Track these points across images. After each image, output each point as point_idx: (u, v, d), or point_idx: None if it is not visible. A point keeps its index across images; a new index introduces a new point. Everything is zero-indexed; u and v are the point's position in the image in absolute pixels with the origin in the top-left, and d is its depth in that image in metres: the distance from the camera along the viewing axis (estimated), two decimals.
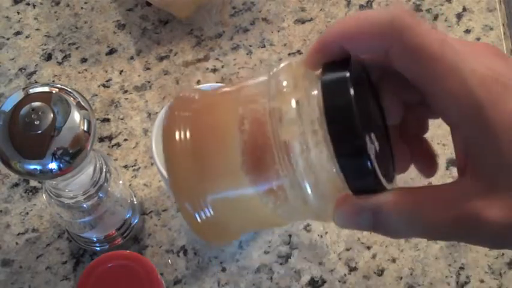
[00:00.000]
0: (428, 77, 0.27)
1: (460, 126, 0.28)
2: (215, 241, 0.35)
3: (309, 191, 0.28)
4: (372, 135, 0.28)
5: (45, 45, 0.64)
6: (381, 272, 0.53)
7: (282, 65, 0.30)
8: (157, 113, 0.59)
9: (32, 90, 0.42)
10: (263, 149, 0.28)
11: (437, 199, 0.28)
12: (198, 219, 0.30)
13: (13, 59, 0.64)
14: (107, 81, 0.62)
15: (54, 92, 0.42)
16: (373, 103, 0.30)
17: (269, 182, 0.29)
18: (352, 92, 0.27)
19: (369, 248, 0.54)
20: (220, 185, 0.30)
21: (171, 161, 0.30)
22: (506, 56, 0.29)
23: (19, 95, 0.42)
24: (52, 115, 0.41)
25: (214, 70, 0.62)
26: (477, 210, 0.27)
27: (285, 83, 0.29)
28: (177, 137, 0.30)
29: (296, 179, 0.28)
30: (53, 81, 0.62)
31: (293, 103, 0.28)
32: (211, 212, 0.30)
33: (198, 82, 0.62)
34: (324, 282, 0.52)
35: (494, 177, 0.27)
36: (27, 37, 0.65)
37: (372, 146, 0.27)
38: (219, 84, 0.59)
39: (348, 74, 0.27)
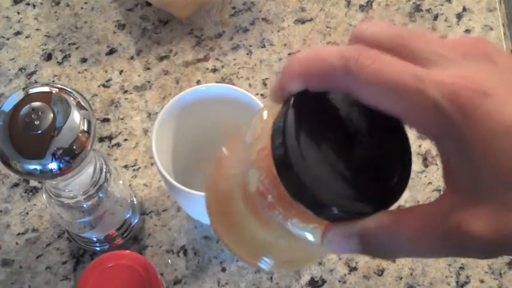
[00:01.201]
0: (398, 107, 0.27)
1: (437, 140, 0.28)
2: (297, 269, 0.35)
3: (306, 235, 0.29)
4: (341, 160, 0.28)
5: (45, 45, 0.64)
6: (381, 272, 0.53)
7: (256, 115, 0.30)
8: (157, 113, 0.59)
9: (32, 90, 0.42)
10: (260, 204, 0.29)
11: (424, 218, 0.28)
12: (265, 267, 0.32)
13: (13, 59, 0.64)
14: (107, 81, 0.62)
15: (54, 92, 0.42)
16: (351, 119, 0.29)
17: (281, 225, 0.29)
18: (292, 132, 0.27)
19: None
20: (259, 240, 0.31)
21: (228, 231, 0.33)
22: (499, 54, 0.28)
23: (19, 95, 0.42)
24: (52, 115, 0.41)
25: (214, 70, 0.62)
26: (462, 224, 0.27)
27: (249, 136, 0.30)
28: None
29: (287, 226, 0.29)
30: (53, 81, 0.62)
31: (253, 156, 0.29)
32: (270, 261, 0.32)
33: (198, 82, 0.62)
34: (324, 282, 0.52)
35: (474, 190, 0.27)
36: (27, 37, 0.65)
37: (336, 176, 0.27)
38: (219, 84, 0.59)
39: (290, 121, 0.27)
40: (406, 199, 0.55)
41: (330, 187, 0.27)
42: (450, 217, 0.27)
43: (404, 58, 0.27)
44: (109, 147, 0.59)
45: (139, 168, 0.58)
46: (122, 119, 0.60)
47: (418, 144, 0.58)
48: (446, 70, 0.27)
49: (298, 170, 0.27)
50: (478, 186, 0.27)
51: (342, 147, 0.28)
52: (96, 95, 0.61)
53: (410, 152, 0.30)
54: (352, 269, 0.53)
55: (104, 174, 0.48)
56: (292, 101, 0.28)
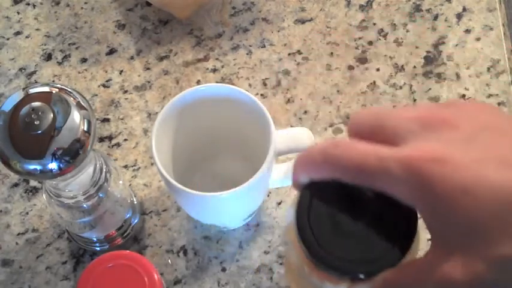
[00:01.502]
0: (372, 185, 0.33)
1: (413, 205, 0.33)
2: None
3: None
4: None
5: (45, 45, 0.64)
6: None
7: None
8: (157, 113, 0.59)
9: (32, 90, 0.42)
10: (302, 274, 0.38)
11: (418, 272, 0.33)
12: None
13: (13, 59, 0.64)
14: (107, 81, 0.62)
15: (54, 92, 0.42)
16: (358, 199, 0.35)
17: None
18: (308, 221, 0.35)
19: None
20: None
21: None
22: (461, 119, 0.33)
23: (19, 95, 0.42)
24: (52, 115, 0.41)
25: (214, 70, 0.62)
26: (446, 274, 0.31)
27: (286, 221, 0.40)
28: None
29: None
30: (53, 81, 0.62)
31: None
32: None
33: (198, 82, 0.62)
34: None
35: (447, 243, 0.32)
36: (27, 37, 0.65)
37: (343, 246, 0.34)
38: (219, 84, 0.59)
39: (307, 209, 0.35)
40: None
41: (341, 256, 0.34)
42: (436, 269, 0.32)
43: (381, 137, 0.33)
44: (109, 147, 0.59)
45: (139, 168, 0.58)
46: (122, 119, 0.60)
47: None
48: (410, 144, 0.32)
49: (312, 247, 0.34)
50: (448, 240, 0.32)
51: (350, 219, 0.35)
52: (96, 95, 0.61)
53: (414, 212, 0.34)
54: None
55: (104, 174, 0.48)
56: (302, 189, 0.36)
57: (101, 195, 0.49)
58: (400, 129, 0.33)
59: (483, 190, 0.30)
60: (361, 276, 0.34)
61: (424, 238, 0.36)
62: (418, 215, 0.35)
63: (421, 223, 0.34)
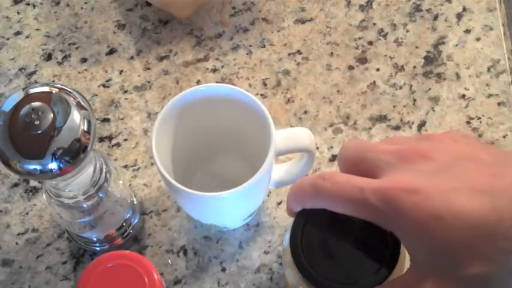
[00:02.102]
0: (354, 213, 0.37)
1: (391, 231, 0.36)
2: None
3: None
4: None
5: (45, 45, 0.64)
6: None
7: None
8: (157, 113, 0.59)
9: (32, 90, 0.42)
10: None
11: None
12: None
13: (13, 59, 0.64)
14: (107, 81, 0.62)
15: (54, 92, 0.42)
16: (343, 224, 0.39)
17: None
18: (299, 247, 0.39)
19: None
20: None
21: None
22: (438, 152, 0.36)
23: (19, 95, 0.42)
24: (52, 115, 0.41)
25: (214, 70, 0.62)
26: None
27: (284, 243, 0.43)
28: None
29: None
30: (53, 81, 0.62)
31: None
32: None
33: (198, 82, 0.62)
34: None
35: (423, 265, 0.35)
36: (27, 37, 0.65)
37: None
38: (219, 84, 0.59)
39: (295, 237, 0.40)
40: None
41: (329, 275, 0.38)
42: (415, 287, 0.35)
43: (363, 169, 0.37)
44: (109, 147, 0.59)
45: (139, 168, 0.58)
46: (122, 119, 0.60)
47: None
48: (387, 176, 0.36)
49: (304, 268, 0.39)
50: (424, 263, 0.35)
51: (339, 243, 0.39)
52: (96, 95, 0.61)
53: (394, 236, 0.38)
54: None
55: (104, 174, 0.48)
56: (296, 216, 0.40)
57: (101, 195, 0.49)
58: (379, 161, 0.37)
59: (453, 216, 0.33)
60: None
61: (408, 257, 0.38)
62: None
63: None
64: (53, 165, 0.41)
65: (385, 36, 0.63)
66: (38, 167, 0.41)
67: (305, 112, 0.60)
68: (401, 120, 0.59)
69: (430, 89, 0.60)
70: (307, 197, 0.38)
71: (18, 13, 0.66)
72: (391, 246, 0.38)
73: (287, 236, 0.41)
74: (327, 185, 0.37)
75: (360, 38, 0.63)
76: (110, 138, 0.59)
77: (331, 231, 0.39)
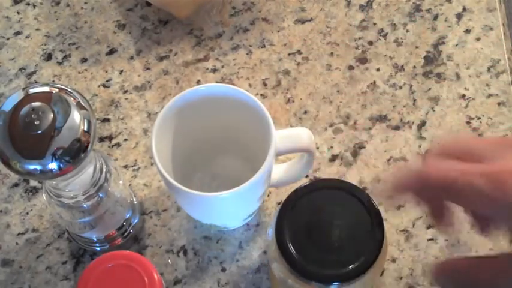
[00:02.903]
0: (457, 199, 0.37)
1: (494, 216, 0.37)
2: None
3: None
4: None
5: (45, 45, 0.64)
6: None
7: None
8: (157, 113, 0.59)
9: (32, 90, 0.42)
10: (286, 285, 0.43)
11: (494, 268, 0.36)
12: None
13: (13, 59, 0.64)
14: (107, 81, 0.62)
15: (54, 92, 0.42)
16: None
17: None
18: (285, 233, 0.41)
19: None
20: None
21: None
22: None
23: (19, 95, 0.42)
24: (52, 115, 0.41)
25: (214, 70, 0.62)
26: None
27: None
28: None
29: None
30: (53, 81, 0.62)
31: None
32: None
33: (198, 82, 0.62)
34: None
35: None
36: (27, 37, 0.65)
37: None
38: (219, 84, 0.59)
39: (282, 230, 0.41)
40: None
41: (317, 264, 0.40)
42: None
43: (469, 159, 0.37)
44: (109, 147, 0.59)
45: (139, 168, 0.58)
46: (122, 119, 0.60)
47: (418, 144, 0.58)
48: (494, 163, 0.36)
49: (292, 261, 0.40)
50: None
51: (324, 234, 0.41)
52: (96, 95, 0.61)
53: (381, 224, 0.41)
54: None
55: (104, 174, 0.48)
56: (279, 210, 0.42)
57: (101, 195, 0.49)
58: (486, 151, 0.37)
59: None
60: (336, 283, 0.40)
61: (389, 246, 0.40)
62: (385, 228, 0.41)
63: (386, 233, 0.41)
64: (53, 165, 0.41)
65: (385, 36, 0.63)
66: (38, 167, 0.41)
67: (305, 112, 0.60)
68: (401, 120, 0.59)
69: (430, 89, 0.60)
70: (413, 183, 0.39)
71: (18, 13, 0.66)
72: (373, 234, 0.40)
73: (270, 230, 0.43)
74: (433, 170, 0.37)
75: (360, 38, 0.63)
76: (110, 138, 0.59)
77: (314, 221, 0.41)
